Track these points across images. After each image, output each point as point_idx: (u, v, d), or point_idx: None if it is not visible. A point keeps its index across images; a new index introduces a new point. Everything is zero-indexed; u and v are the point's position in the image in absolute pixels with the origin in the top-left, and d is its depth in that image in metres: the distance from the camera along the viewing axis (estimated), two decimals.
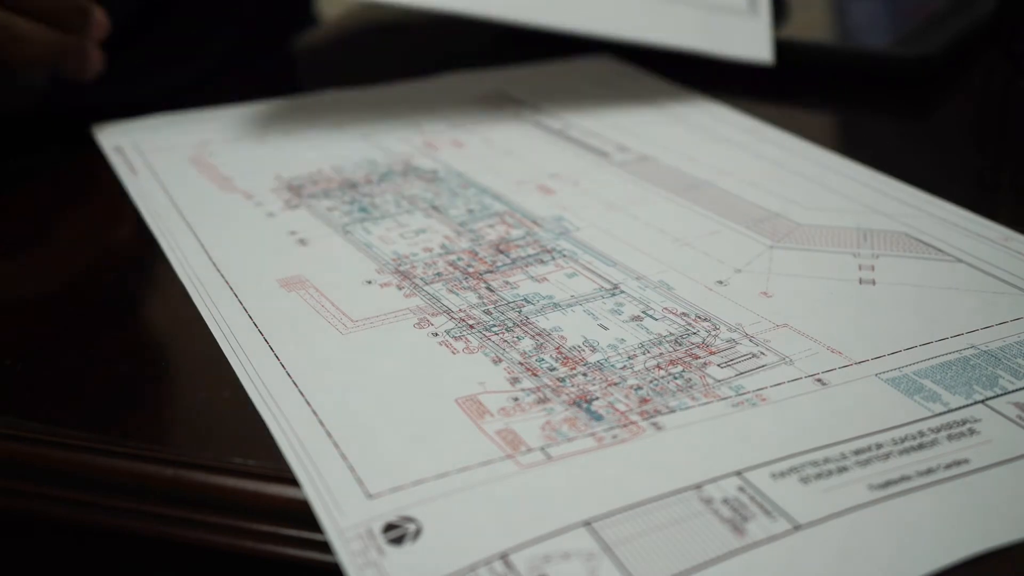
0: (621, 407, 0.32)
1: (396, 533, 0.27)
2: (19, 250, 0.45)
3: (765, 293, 0.38)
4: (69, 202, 0.49)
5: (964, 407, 0.31)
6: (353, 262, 0.41)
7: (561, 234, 0.42)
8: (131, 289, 0.41)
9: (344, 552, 0.27)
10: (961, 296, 0.37)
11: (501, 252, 0.41)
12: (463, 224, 0.43)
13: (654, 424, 0.31)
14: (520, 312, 0.37)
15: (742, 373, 0.33)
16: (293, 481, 0.30)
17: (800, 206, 0.44)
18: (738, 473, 0.29)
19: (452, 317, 0.37)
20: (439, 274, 0.39)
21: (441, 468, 0.29)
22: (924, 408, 0.31)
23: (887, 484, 0.28)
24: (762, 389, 0.32)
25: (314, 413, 0.32)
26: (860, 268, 0.39)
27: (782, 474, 0.29)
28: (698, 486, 0.29)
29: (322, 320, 0.37)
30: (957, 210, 0.43)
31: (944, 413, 0.31)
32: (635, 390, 0.32)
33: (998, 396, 0.32)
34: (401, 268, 0.40)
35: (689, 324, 0.36)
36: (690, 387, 0.32)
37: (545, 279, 0.39)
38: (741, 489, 0.28)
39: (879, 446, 0.30)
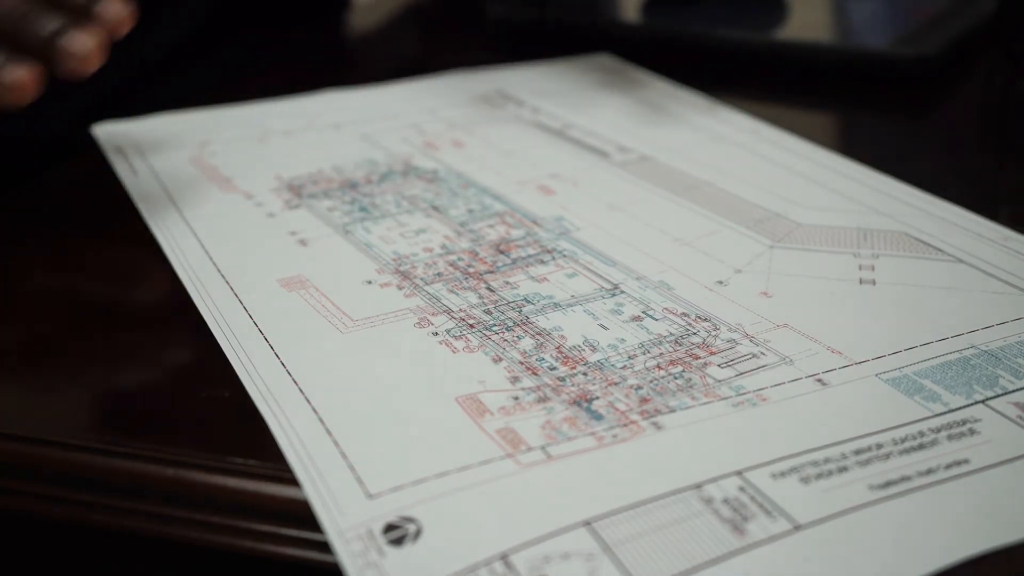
0: (621, 407, 0.32)
1: (396, 534, 0.27)
2: (18, 250, 0.45)
3: (765, 293, 0.38)
4: (69, 202, 0.49)
5: (964, 407, 0.31)
6: (353, 262, 0.41)
7: (561, 234, 0.42)
8: (131, 289, 0.41)
9: (344, 553, 0.27)
10: (961, 296, 0.37)
11: (501, 252, 0.41)
12: (463, 224, 0.43)
13: (654, 424, 0.31)
14: (520, 312, 0.37)
15: (742, 373, 0.33)
16: (293, 481, 0.29)
17: (800, 206, 0.44)
18: (738, 473, 0.29)
19: (452, 317, 0.37)
20: (439, 274, 0.39)
21: (441, 467, 0.29)
22: (924, 408, 0.31)
23: (887, 484, 0.28)
24: (762, 389, 0.32)
25: (314, 412, 0.32)
26: (860, 268, 0.39)
27: (782, 474, 0.29)
28: (698, 486, 0.29)
29: (322, 320, 0.37)
30: (957, 210, 0.43)
31: (944, 413, 0.31)
32: (635, 390, 0.32)
33: (998, 396, 0.32)
34: (401, 268, 0.40)
35: (689, 324, 0.36)
36: (690, 387, 0.32)
37: (545, 279, 0.39)
38: (741, 489, 0.28)
39: (879, 446, 0.30)
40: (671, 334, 0.35)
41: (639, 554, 0.26)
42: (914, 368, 0.33)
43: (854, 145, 0.53)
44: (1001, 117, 0.57)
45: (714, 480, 0.29)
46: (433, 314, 0.37)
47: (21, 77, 0.39)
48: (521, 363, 0.34)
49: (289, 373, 0.34)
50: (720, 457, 0.30)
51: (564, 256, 0.41)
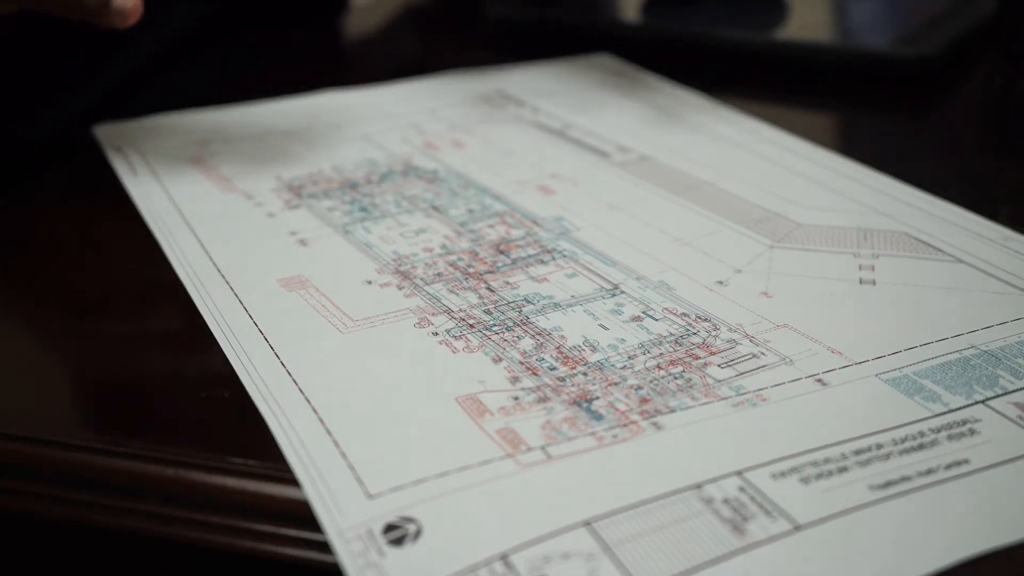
0: (621, 407, 0.32)
1: (396, 534, 0.27)
2: (18, 250, 0.45)
3: (765, 293, 0.38)
4: (69, 202, 0.49)
5: (964, 407, 0.31)
6: (353, 262, 0.41)
7: (561, 234, 0.42)
8: (131, 289, 0.41)
9: (344, 553, 0.27)
10: (961, 296, 0.37)
11: (501, 252, 0.41)
12: (463, 224, 0.43)
13: (654, 424, 0.31)
14: (520, 312, 0.37)
15: (742, 373, 0.33)
16: (293, 481, 0.30)
17: (800, 206, 0.44)
18: (738, 473, 0.29)
19: (452, 317, 0.37)
20: (439, 274, 0.39)
21: (441, 467, 0.29)
22: (924, 408, 0.31)
23: (887, 484, 0.29)
24: (762, 389, 0.32)
25: (314, 412, 0.32)
26: (860, 268, 0.39)
27: (782, 474, 0.29)
28: (698, 486, 0.29)
29: (322, 320, 0.37)
30: (957, 210, 0.43)
31: (944, 413, 0.31)
32: (635, 390, 0.32)
33: (998, 396, 0.32)
34: (401, 268, 0.40)
35: (689, 324, 0.36)
36: (690, 387, 0.32)
37: (545, 279, 0.39)
38: (741, 489, 0.28)
39: (879, 446, 0.30)
40: (671, 334, 0.35)
41: (639, 554, 0.26)
42: (914, 368, 0.33)
43: (854, 145, 0.53)
44: (1001, 117, 0.57)
45: (714, 480, 0.29)
46: (433, 314, 0.37)
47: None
48: (521, 363, 0.34)
49: (289, 373, 0.34)
50: (720, 457, 0.30)
51: (564, 256, 0.41)
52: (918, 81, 0.58)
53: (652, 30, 0.65)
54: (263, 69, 0.67)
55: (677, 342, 0.35)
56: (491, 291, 0.38)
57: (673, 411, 0.31)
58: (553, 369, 0.34)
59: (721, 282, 0.38)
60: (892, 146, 0.53)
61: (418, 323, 0.36)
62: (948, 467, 0.29)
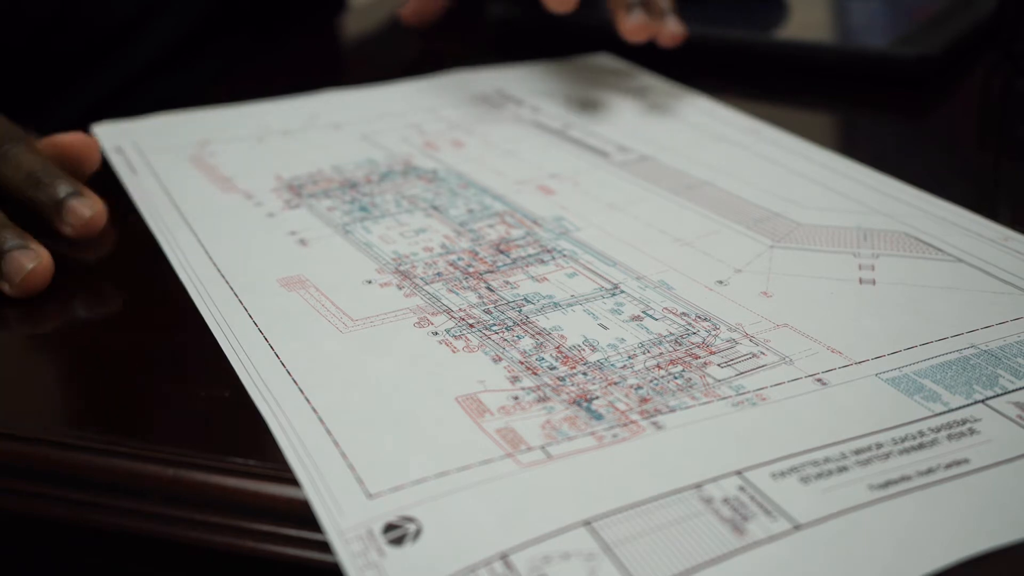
0: (621, 406, 0.32)
1: (396, 534, 0.27)
2: None
3: (765, 293, 0.38)
4: None
5: (964, 407, 0.31)
6: (353, 262, 0.41)
7: (561, 234, 0.42)
8: (131, 289, 0.41)
9: (344, 553, 0.27)
10: (961, 296, 0.37)
11: (501, 252, 0.41)
12: (463, 224, 0.43)
13: (654, 423, 0.31)
14: (520, 311, 0.37)
15: (742, 373, 0.33)
16: (293, 481, 0.30)
17: (800, 206, 0.44)
18: (738, 473, 0.29)
19: (452, 316, 0.37)
20: (439, 274, 0.39)
21: (441, 467, 0.29)
22: (924, 408, 0.31)
23: (887, 484, 0.29)
24: (762, 389, 0.32)
25: (314, 412, 0.32)
26: (860, 268, 0.39)
27: (782, 474, 0.29)
28: (698, 486, 0.29)
29: (322, 319, 0.37)
30: (957, 210, 0.43)
31: (944, 413, 0.31)
32: (635, 389, 0.32)
33: (998, 396, 0.32)
34: (401, 268, 0.40)
35: (689, 324, 0.36)
36: (690, 387, 0.32)
37: (545, 279, 0.39)
38: (741, 489, 0.28)
39: (879, 446, 0.30)
40: (671, 334, 0.35)
41: (639, 554, 0.26)
42: (914, 368, 0.33)
43: (854, 145, 0.53)
44: (1001, 117, 0.57)
45: (714, 480, 0.29)
46: (433, 314, 0.37)
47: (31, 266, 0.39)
48: (521, 363, 0.34)
49: (289, 373, 0.34)
50: (720, 457, 0.30)
51: (564, 256, 0.41)
52: (918, 81, 0.58)
53: None
54: (263, 69, 0.67)
55: (677, 342, 0.35)
56: (491, 291, 0.38)
57: (673, 411, 0.31)
58: (553, 369, 0.34)
59: (721, 282, 0.38)
60: (892, 146, 0.53)
61: (418, 323, 0.36)
62: (948, 467, 0.29)
